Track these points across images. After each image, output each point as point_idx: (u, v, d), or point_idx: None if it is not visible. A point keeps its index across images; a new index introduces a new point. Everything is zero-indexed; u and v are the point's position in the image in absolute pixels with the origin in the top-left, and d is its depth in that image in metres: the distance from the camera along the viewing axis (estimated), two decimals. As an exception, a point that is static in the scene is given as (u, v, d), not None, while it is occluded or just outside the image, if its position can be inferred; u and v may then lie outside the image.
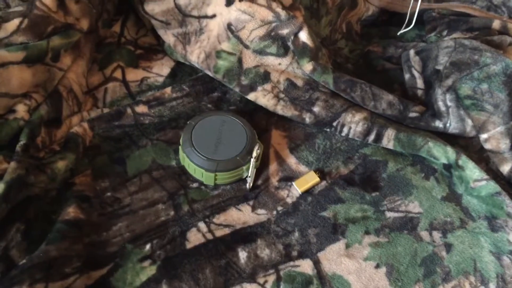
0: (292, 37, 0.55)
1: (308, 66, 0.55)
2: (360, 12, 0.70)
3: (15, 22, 0.51)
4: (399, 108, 0.55)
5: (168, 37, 0.61)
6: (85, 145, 0.53)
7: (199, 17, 0.60)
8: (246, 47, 0.57)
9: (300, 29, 0.55)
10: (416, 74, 0.59)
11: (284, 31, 0.55)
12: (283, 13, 0.55)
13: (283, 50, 0.56)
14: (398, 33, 0.68)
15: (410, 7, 0.68)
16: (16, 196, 0.45)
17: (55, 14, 0.53)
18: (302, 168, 0.53)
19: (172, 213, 0.49)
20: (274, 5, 0.56)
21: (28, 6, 0.52)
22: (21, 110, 0.51)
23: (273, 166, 0.53)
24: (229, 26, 0.57)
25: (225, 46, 0.57)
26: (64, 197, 0.48)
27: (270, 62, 0.57)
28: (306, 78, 0.57)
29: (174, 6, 0.61)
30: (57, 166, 0.49)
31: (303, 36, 0.55)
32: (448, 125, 0.54)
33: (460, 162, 0.50)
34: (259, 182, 0.52)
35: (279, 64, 0.57)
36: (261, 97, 0.56)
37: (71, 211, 0.46)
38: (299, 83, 0.56)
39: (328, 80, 0.55)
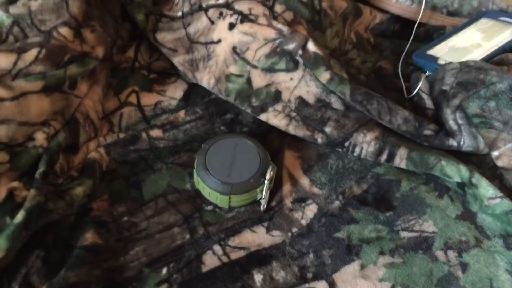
0: (300, 51, 0.56)
1: (325, 75, 0.56)
2: (366, 20, 0.71)
3: (33, 53, 0.53)
4: (414, 124, 0.55)
5: (177, 64, 0.63)
6: (102, 170, 0.54)
7: (205, 43, 0.61)
8: (254, 67, 0.57)
9: (306, 41, 0.56)
10: (424, 95, 0.60)
11: (290, 46, 0.56)
12: (285, 29, 0.56)
13: (293, 65, 0.57)
14: (406, 49, 0.68)
15: (420, 15, 0.68)
16: (36, 223, 0.46)
17: (72, 43, 0.55)
18: (316, 189, 0.53)
19: (187, 236, 0.49)
20: (274, 22, 0.57)
21: (46, 37, 0.54)
22: (40, 137, 0.52)
23: (286, 187, 0.54)
24: (234, 49, 0.58)
25: (233, 69, 0.58)
26: (82, 222, 0.49)
27: (281, 78, 0.58)
28: (318, 93, 0.57)
29: (185, 34, 0.63)
30: (75, 192, 0.50)
31: (312, 46, 0.56)
32: (462, 143, 0.54)
33: (473, 180, 0.50)
34: (273, 203, 0.52)
35: (291, 79, 0.57)
36: (273, 117, 0.57)
37: (89, 237, 0.47)
38: (311, 100, 0.57)
39: (345, 90, 0.55)
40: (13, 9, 0.56)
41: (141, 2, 0.68)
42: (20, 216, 0.45)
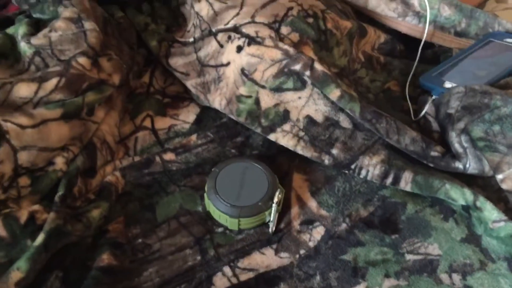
0: (307, 71, 0.58)
1: (336, 93, 0.57)
2: (372, 39, 0.72)
3: (53, 82, 0.56)
4: (421, 145, 0.56)
5: (190, 87, 0.65)
6: (118, 193, 0.56)
7: (216, 66, 0.63)
8: (262, 87, 0.59)
9: (312, 61, 0.58)
10: (430, 118, 0.61)
11: (297, 67, 0.58)
12: (291, 49, 0.58)
13: (300, 84, 0.59)
14: (412, 71, 0.69)
15: (425, 34, 0.70)
16: (55, 245, 0.48)
17: (90, 72, 0.58)
18: (323, 211, 0.55)
19: (199, 257, 0.51)
20: (280, 44, 0.59)
21: (65, 66, 0.57)
22: (60, 162, 0.55)
23: (294, 210, 0.55)
24: (242, 71, 0.60)
25: (242, 90, 0.60)
26: (98, 244, 0.51)
27: (289, 98, 0.59)
28: (327, 111, 0.59)
29: (195, 58, 0.65)
30: (92, 214, 0.52)
31: (319, 66, 0.58)
32: (467, 165, 0.55)
33: (478, 204, 0.51)
34: (282, 225, 0.54)
35: (299, 98, 0.59)
36: (281, 137, 0.58)
37: (105, 258, 0.49)
38: (319, 118, 0.59)
39: (355, 108, 0.57)
40: (34, 40, 0.59)
41: (154, 29, 0.71)
42: (40, 239, 0.48)
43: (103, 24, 0.63)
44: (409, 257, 0.50)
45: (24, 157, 0.53)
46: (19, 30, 0.61)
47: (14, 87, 0.54)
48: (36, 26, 0.63)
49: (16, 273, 0.45)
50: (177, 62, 0.66)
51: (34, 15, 0.66)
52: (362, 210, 0.55)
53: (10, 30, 0.62)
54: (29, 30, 0.61)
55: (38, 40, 0.59)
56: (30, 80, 0.55)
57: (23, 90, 0.54)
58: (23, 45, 0.59)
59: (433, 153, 0.56)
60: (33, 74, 0.57)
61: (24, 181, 0.53)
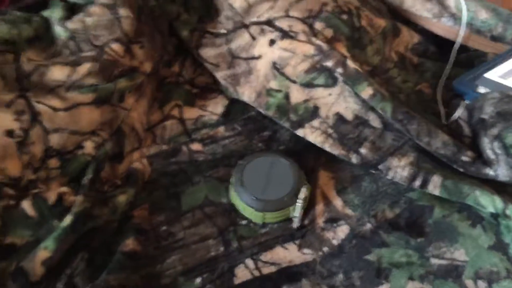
0: (340, 68, 0.57)
1: (368, 91, 0.57)
2: (405, 39, 0.71)
3: (86, 66, 0.56)
4: (452, 149, 0.55)
5: (219, 79, 0.65)
6: (144, 180, 0.57)
7: (246, 59, 0.63)
8: (294, 82, 0.59)
9: (345, 58, 0.57)
10: (462, 123, 0.60)
11: (329, 63, 0.58)
12: (324, 45, 0.58)
13: (332, 81, 0.58)
14: (445, 73, 0.68)
15: (460, 36, 0.69)
16: (82, 227, 0.49)
17: (122, 58, 0.58)
18: (348, 210, 0.54)
19: (222, 248, 0.51)
20: (314, 39, 0.58)
21: (99, 52, 0.57)
22: (89, 146, 0.55)
23: (319, 207, 0.55)
24: (274, 65, 0.60)
25: (273, 84, 0.60)
26: (123, 229, 0.52)
27: (319, 94, 0.59)
28: (357, 109, 0.58)
29: (227, 50, 0.65)
30: (119, 199, 0.53)
31: (351, 64, 0.57)
32: (498, 172, 0.54)
33: (507, 212, 0.50)
34: (306, 222, 0.54)
35: (329, 94, 0.59)
36: (310, 133, 0.58)
37: (129, 243, 0.50)
38: (349, 116, 0.58)
39: (386, 108, 0.56)
40: (69, 24, 0.60)
41: (186, 19, 0.71)
42: (67, 220, 0.48)
43: (137, 11, 0.63)
44: (434, 261, 0.50)
45: (55, 139, 0.53)
46: (54, 13, 0.62)
47: (48, 69, 0.55)
48: (71, 10, 0.64)
49: (43, 252, 0.46)
50: (208, 52, 0.66)
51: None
52: (388, 211, 0.54)
53: (45, 13, 0.63)
54: (64, 14, 0.62)
55: (73, 24, 0.59)
56: (64, 64, 0.56)
57: (57, 73, 0.55)
58: (58, 29, 0.60)
59: (464, 158, 0.55)
60: (67, 58, 0.57)
61: (53, 163, 0.54)
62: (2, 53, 0.56)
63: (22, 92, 0.53)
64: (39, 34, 0.60)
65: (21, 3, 0.67)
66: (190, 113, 0.64)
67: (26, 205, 0.50)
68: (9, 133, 0.51)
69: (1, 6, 0.69)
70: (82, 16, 0.60)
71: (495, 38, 0.71)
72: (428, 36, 0.73)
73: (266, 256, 0.51)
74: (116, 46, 0.58)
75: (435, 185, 0.53)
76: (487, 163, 0.55)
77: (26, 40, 0.58)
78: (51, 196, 0.51)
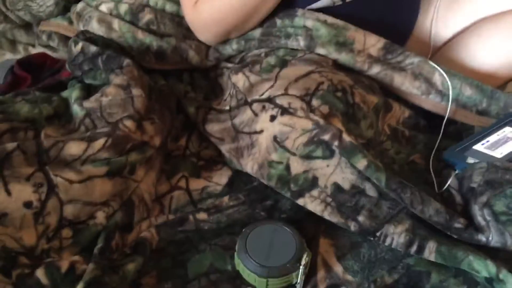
0: (336, 141, 0.61)
1: (363, 162, 0.60)
2: (396, 114, 0.76)
3: (101, 141, 0.60)
4: (445, 217, 0.58)
5: (224, 152, 0.69)
6: (152, 249, 0.59)
7: (249, 133, 0.68)
8: (293, 154, 0.63)
9: (341, 132, 0.61)
10: (454, 191, 0.63)
11: (326, 136, 0.62)
12: (321, 120, 0.62)
13: (329, 153, 0.62)
14: (436, 145, 0.73)
15: (447, 112, 0.73)
16: (93, 294, 0.51)
17: (134, 133, 0.63)
18: (349, 276, 0.56)
19: (227, 315, 0.53)
20: (311, 115, 0.63)
21: (113, 128, 0.62)
22: (100, 216, 0.58)
23: (320, 273, 0.57)
24: (275, 138, 0.64)
25: (274, 156, 0.64)
26: (132, 297, 0.54)
27: (318, 165, 0.63)
28: (354, 180, 0.61)
29: (230, 125, 0.70)
30: (128, 268, 0.55)
31: (347, 137, 0.61)
32: (490, 238, 0.57)
33: (500, 276, 0.52)
34: (308, 288, 0.56)
35: (327, 165, 0.62)
36: (309, 202, 0.61)
37: (137, 310, 0.52)
38: (346, 186, 0.61)
39: (381, 178, 0.59)
40: (86, 103, 0.65)
41: (193, 97, 0.77)
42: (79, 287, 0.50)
43: (148, 91, 0.69)
44: (433, 326, 0.51)
45: (69, 210, 0.57)
46: (72, 93, 0.68)
47: (65, 145, 0.59)
48: (88, 91, 0.70)
49: (56, 320, 0.48)
50: (213, 128, 0.71)
51: (86, 81, 0.72)
52: (387, 277, 0.56)
53: (64, 94, 0.69)
54: (81, 94, 0.67)
55: (90, 103, 0.65)
56: (80, 139, 0.60)
57: (74, 148, 0.59)
58: (75, 107, 0.65)
59: (457, 225, 0.58)
60: (83, 134, 0.62)
61: (66, 232, 0.57)
62: (23, 130, 0.61)
63: (41, 166, 0.57)
64: (58, 113, 0.65)
65: (41, 84, 0.73)
66: (196, 184, 0.68)
67: (40, 274, 0.52)
68: (28, 204, 0.54)
69: (23, 87, 0.75)
70: (98, 96, 0.65)
71: (480, 113, 0.76)
72: (418, 111, 0.78)
73: (270, 323, 0.52)
74: (128, 123, 0.63)
75: (430, 251, 0.56)
76: (479, 229, 0.58)
77: (46, 118, 0.63)
78: (64, 265, 0.54)
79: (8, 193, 0.53)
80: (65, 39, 0.87)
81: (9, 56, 0.91)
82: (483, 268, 0.53)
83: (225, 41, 0.81)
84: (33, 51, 0.92)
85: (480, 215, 0.58)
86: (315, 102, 0.65)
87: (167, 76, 0.80)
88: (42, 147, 0.58)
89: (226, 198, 0.65)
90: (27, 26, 0.92)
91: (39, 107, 0.63)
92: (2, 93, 0.71)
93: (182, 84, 0.79)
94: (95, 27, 0.78)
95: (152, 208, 0.64)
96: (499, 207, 0.57)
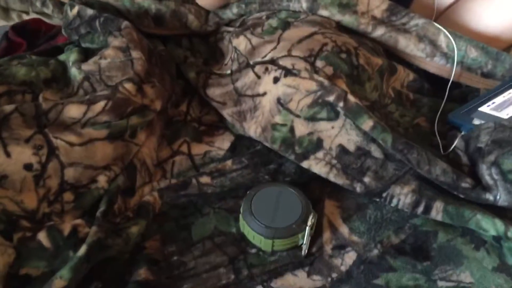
0: (341, 102, 0.60)
1: (368, 123, 0.59)
2: (401, 77, 0.75)
3: (101, 104, 0.59)
4: (452, 176, 0.58)
5: (226, 116, 0.68)
6: (155, 212, 0.58)
7: (252, 96, 0.66)
8: (297, 116, 0.62)
9: (346, 93, 0.60)
10: (460, 152, 0.63)
11: (330, 98, 0.61)
12: (325, 81, 0.61)
13: (334, 114, 0.61)
14: (441, 108, 0.72)
15: (452, 74, 0.72)
16: (96, 256, 0.50)
17: (134, 97, 0.61)
18: (355, 237, 0.56)
19: (232, 276, 0.52)
20: (316, 76, 0.62)
21: (112, 91, 0.60)
22: (102, 180, 0.57)
23: (326, 235, 0.56)
24: (278, 100, 0.63)
25: (278, 119, 0.63)
26: (135, 259, 0.53)
27: (322, 127, 0.62)
28: (359, 141, 0.61)
29: (232, 88, 0.69)
30: (131, 231, 0.54)
31: (352, 98, 0.60)
32: (498, 197, 0.56)
33: (509, 234, 0.52)
34: (314, 249, 0.55)
35: (332, 127, 0.61)
36: (314, 164, 0.60)
37: (142, 273, 0.51)
38: (351, 148, 0.60)
39: (387, 138, 0.58)
40: (85, 66, 0.63)
41: (193, 62, 0.75)
42: (82, 250, 0.49)
43: (148, 54, 0.67)
44: (441, 283, 0.51)
45: (70, 174, 0.55)
46: (70, 57, 0.66)
47: (64, 107, 0.58)
48: (85, 54, 0.68)
49: (59, 281, 0.47)
50: (214, 92, 0.70)
51: (83, 45, 0.70)
52: (393, 237, 0.56)
53: (61, 57, 0.67)
54: (79, 57, 0.66)
55: (88, 66, 0.63)
56: (80, 102, 0.59)
57: (73, 111, 0.58)
58: (73, 71, 0.64)
59: (464, 184, 0.57)
60: (82, 97, 0.60)
61: (68, 196, 0.56)
62: (21, 93, 0.59)
63: (40, 129, 0.55)
64: (56, 76, 0.63)
65: (37, 49, 0.71)
66: (198, 148, 0.67)
67: (42, 237, 0.51)
68: (28, 167, 0.53)
69: (18, 52, 0.74)
70: (97, 59, 0.63)
71: (485, 75, 0.75)
72: (423, 74, 0.77)
73: (277, 283, 0.52)
74: (128, 86, 0.61)
75: (437, 211, 0.55)
76: (486, 189, 0.57)
77: (44, 81, 0.62)
78: (66, 228, 0.53)
79: (8, 155, 0.52)
80: (60, 5, 0.85)
81: (3, 24, 0.89)
82: (491, 226, 0.53)
83: (225, 5, 0.79)
84: (27, 18, 0.89)
85: (488, 174, 0.57)
86: (319, 63, 0.63)
87: (165, 41, 0.78)
88: (40, 109, 0.56)
89: (229, 162, 0.64)
90: (20, -7, 0.89)
91: (36, 70, 0.61)
92: (-3, 58, 0.69)
93: (182, 49, 0.78)
94: (91, -9, 0.76)
95: (154, 172, 0.63)
96: (507, 166, 0.56)
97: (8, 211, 0.52)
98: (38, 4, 0.86)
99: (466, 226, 0.54)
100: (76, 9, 0.71)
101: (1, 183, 0.52)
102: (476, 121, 0.66)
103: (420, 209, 0.56)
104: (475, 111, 0.68)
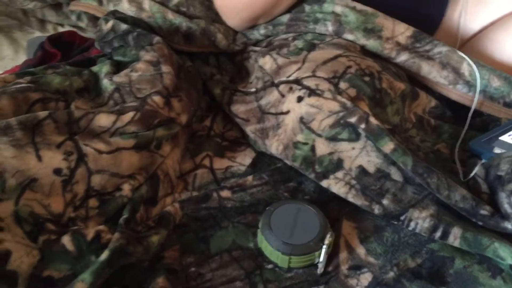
0: (363, 124, 0.61)
1: (390, 145, 0.60)
2: (423, 103, 0.76)
3: (129, 115, 0.61)
4: (471, 203, 0.58)
5: (249, 132, 0.69)
6: (175, 223, 0.60)
7: (275, 114, 0.68)
8: (319, 136, 0.63)
9: (368, 115, 0.61)
10: (480, 180, 0.63)
11: (352, 119, 0.62)
12: (348, 103, 0.62)
13: (355, 136, 0.62)
14: (462, 135, 0.72)
15: (474, 103, 0.73)
16: (118, 262, 0.52)
17: (162, 109, 0.63)
18: (371, 259, 0.56)
19: (248, 290, 0.53)
20: (338, 97, 0.63)
21: (141, 102, 0.63)
22: (126, 188, 0.59)
23: (343, 255, 0.57)
24: (301, 119, 0.64)
25: (300, 137, 0.64)
26: (154, 268, 0.54)
27: (343, 147, 0.62)
28: (379, 163, 0.61)
29: (256, 106, 0.70)
30: (152, 239, 0.55)
31: (374, 120, 0.61)
32: (515, 227, 0.56)
33: (526, 264, 0.52)
34: (330, 268, 0.56)
35: (353, 148, 0.62)
36: (334, 184, 0.61)
37: (159, 282, 0.52)
38: (371, 169, 0.61)
39: (407, 162, 0.59)
40: (116, 78, 0.66)
41: (219, 79, 0.77)
42: (104, 255, 0.51)
43: (177, 69, 0.70)
44: (456, 310, 0.51)
45: (96, 180, 0.57)
46: (102, 68, 0.69)
47: (95, 116, 0.60)
48: (117, 67, 0.70)
49: (81, 285, 0.48)
50: (238, 109, 0.72)
51: (115, 58, 0.73)
52: (410, 260, 0.56)
53: (94, 68, 0.69)
54: (111, 69, 0.68)
55: (120, 78, 0.66)
56: (110, 112, 0.61)
57: (103, 120, 0.60)
58: (105, 82, 0.66)
59: (483, 212, 0.57)
60: (112, 107, 0.63)
61: (93, 202, 0.57)
62: (54, 100, 0.62)
63: (71, 135, 0.57)
64: (88, 86, 0.66)
65: (71, 60, 0.74)
66: (220, 163, 0.68)
67: (66, 241, 0.53)
68: (57, 171, 0.55)
69: (53, 62, 0.77)
70: (128, 71, 0.66)
71: (507, 105, 0.75)
72: (444, 101, 0.78)
73: (292, 300, 0.53)
74: (157, 98, 0.63)
75: (455, 237, 0.55)
76: (505, 217, 0.57)
77: (76, 90, 0.64)
78: (90, 233, 0.54)
79: (39, 159, 0.54)
80: (94, 19, 0.88)
81: (39, 35, 0.92)
82: (508, 255, 0.53)
83: (253, 26, 0.81)
84: (62, 30, 0.93)
85: (507, 202, 0.57)
86: (342, 85, 0.65)
87: (193, 58, 0.81)
88: (72, 117, 0.58)
89: (249, 178, 0.65)
90: (57, 6, 0.93)
91: (70, 79, 0.64)
92: (33, 66, 0.72)
93: (209, 66, 0.80)
94: (125, 7, 0.79)
95: (176, 184, 0.65)
96: (527, 195, 0.57)
97: (35, 214, 0.54)
98: (73, 17, 0.90)
99: (483, 253, 0.54)
100: (110, 24, 0.74)
101: (31, 186, 0.54)
102: (497, 150, 0.67)
103: (438, 234, 0.56)
104: (496, 140, 0.69)
